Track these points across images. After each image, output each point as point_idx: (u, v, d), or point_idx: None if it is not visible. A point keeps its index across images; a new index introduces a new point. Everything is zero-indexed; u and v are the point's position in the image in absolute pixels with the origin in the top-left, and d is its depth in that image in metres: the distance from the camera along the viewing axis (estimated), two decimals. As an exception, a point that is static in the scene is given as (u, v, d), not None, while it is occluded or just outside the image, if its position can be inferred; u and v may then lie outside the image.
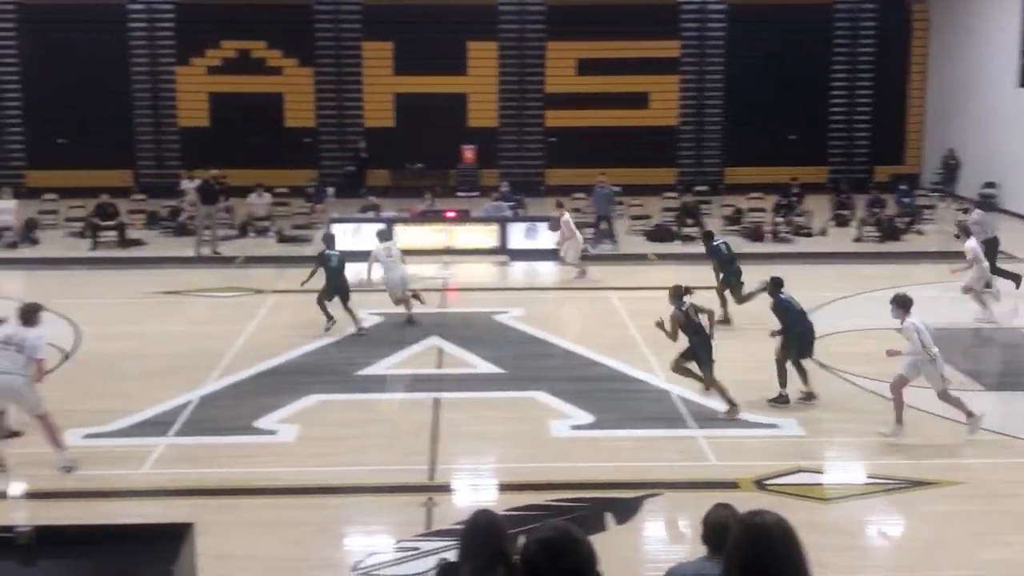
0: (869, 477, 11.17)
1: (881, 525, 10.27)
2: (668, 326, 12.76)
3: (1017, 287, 18.89)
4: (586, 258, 21.50)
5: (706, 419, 12.63)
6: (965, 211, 22.07)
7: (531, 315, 17.90)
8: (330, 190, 28.65)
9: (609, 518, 9.91)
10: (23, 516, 10.09)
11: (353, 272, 16.96)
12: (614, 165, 28.40)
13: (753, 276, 20.63)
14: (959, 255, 17.80)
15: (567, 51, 32.33)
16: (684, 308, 12.76)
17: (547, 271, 21.83)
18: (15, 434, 11.83)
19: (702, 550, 5.00)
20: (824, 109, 32.91)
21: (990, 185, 29.22)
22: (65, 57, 30.67)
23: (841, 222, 26.55)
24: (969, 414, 11.84)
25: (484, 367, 14.94)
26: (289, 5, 31.70)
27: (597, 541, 4.12)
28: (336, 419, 12.80)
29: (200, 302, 19.20)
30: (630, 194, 27.04)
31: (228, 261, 22.55)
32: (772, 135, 31.87)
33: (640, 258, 22.87)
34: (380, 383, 14.36)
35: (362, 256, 17.68)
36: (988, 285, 17.57)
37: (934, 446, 11.82)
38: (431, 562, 8.61)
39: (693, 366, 12.87)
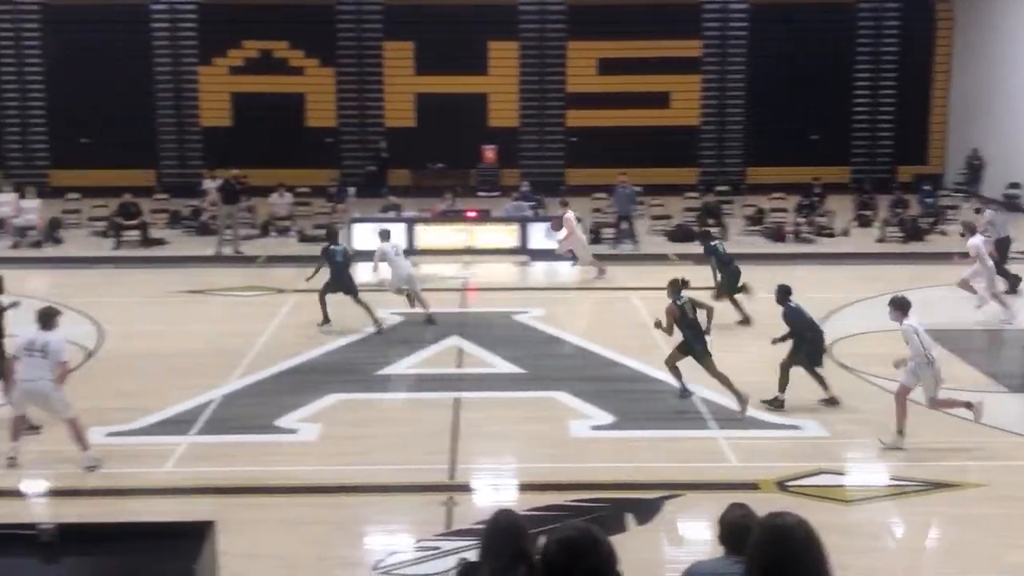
0: (891, 479, 11.10)
1: (903, 527, 10.21)
2: (664, 321, 12.90)
3: (1014, 290, 18.73)
4: (601, 256, 21.50)
5: (727, 420, 12.59)
6: (977, 211, 21.92)
7: (551, 315, 17.89)
8: (351, 190, 28.72)
9: (629, 519, 9.89)
10: (46, 513, 10.16)
11: (362, 270, 17.00)
12: (635, 165, 28.36)
13: (774, 277, 20.59)
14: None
15: (588, 51, 32.29)
16: (681, 303, 12.87)
17: (567, 271, 21.81)
18: (34, 428, 11.93)
19: (721, 551, 4.98)
20: (847, 109, 32.75)
21: (1014, 186, 29.02)
22: (88, 57, 30.87)
23: (864, 222, 26.42)
24: (968, 405, 11.76)
25: (504, 367, 14.93)
26: (311, 5, 31.80)
27: (617, 542, 4.11)
28: (357, 418, 12.83)
29: (222, 301, 19.27)
30: (651, 194, 27.00)
31: (250, 260, 22.64)
32: (794, 135, 31.73)
33: (661, 258, 22.81)
34: (399, 383, 14.38)
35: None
36: (1012, 286, 17.48)
37: (956, 448, 11.74)
38: (451, 561, 8.62)
39: (682, 364, 13.02)
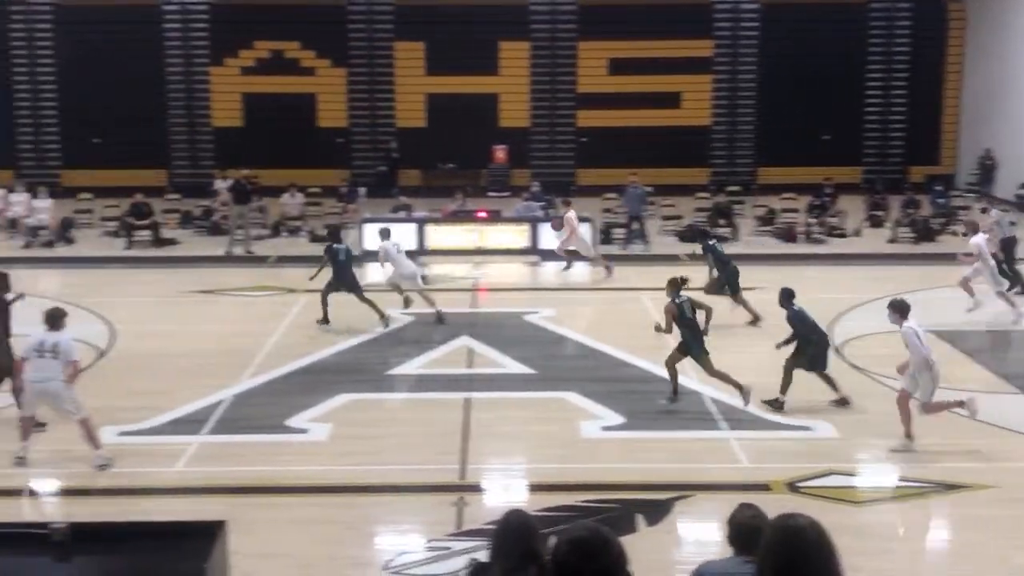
0: (902, 480, 11.07)
1: (914, 528, 10.18)
2: (663, 323, 12.96)
3: (1009, 289, 18.63)
4: (611, 257, 21.52)
5: (738, 421, 12.57)
6: (983, 210, 21.86)
7: (562, 315, 17.88)
8: (362, 190, 28.75)
9: (640, 519, 9.89)
10: (58, 513, 10.20)
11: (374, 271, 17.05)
12: (646, 165, 28.33)
13: (785, 278, 20.55)
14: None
15: (599, 51, 32.27)
16: (679, 301, 12.92)
17: (578, 271, 21.79)
18: (40, 425, 11.97)
19: (730, 551, 4.98)
20: (858, 109, 32.66)
21: (1027, 186, 28.91)
22: (100, 58, 30.96)
23: (875, 223, 26.35)
24: (960, 403, 11.70)
25: (514, 367, 14.93)
26: (322, 6, 31.84)
27: (627, 542, 4.11)
28: (367, 418, 12.85)
29: (233, 301, 19.31)
30: (662, 194, 26.96)
31: (261, 260, 22.69)
32: (806, 135, 31.65)
33: (672, 259, 22.77)
34: (409, 383, 14.38)
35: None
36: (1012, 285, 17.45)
37: (967, 450, 11.70)
38: (462, 562, 8.63)
39: (683, 365, 13.06)
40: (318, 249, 22.63)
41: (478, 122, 31.85)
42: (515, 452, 11.97)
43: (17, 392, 12.15)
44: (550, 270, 22.01)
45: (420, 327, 17.09)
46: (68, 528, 5.78)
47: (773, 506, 4.83)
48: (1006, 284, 17.96)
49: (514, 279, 21.15)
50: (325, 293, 16.84)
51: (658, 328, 13.14)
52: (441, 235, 23.52)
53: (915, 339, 11.38)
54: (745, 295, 17.02)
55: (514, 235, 23.46)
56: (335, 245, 17.09)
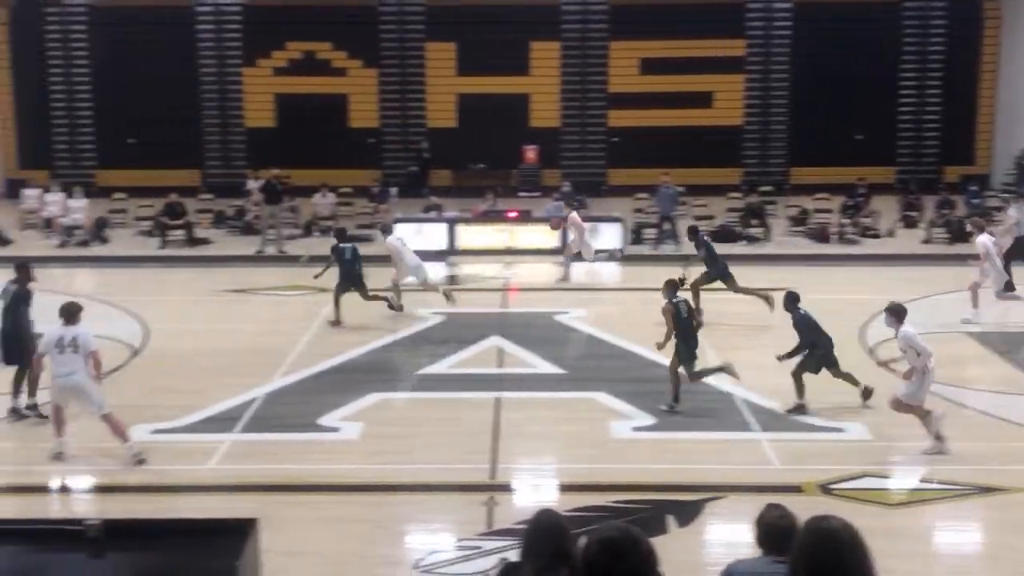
0: (937, 483, 10.97)
1: (948, 532, 10.09)
2: (662, 339, 12.91)
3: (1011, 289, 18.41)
4: (642, 257, 21.46)
5: (770, 422, 12.50)
6: (999, 208, 21.60)
7: (592, 315, 17.86)
8: (393, 190, 28.81)
9: (670, 520, 9.86)
10: (92, 509, 10.29)
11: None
12: (678, 165, 28.18)
13: (818, 279, 20.45)
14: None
15: (630, 51, 32.16)
16: (676, 302, 12.92)
17: (609, 272, 21.75)
18: (43, 417, 12.30)
19: (760, 552, 4.95)
20: (892, 108, 32.36)
21: (1063, 186, 28.55)
22: (134, 59, 31.19)
23: (909, 223, 26.12)
24: (928, 412, 11.51)
25: (545, 367, 14.93)
26: (354, 7, 31.94)
27: (658, 543, 4.10)
28: (398, 417, 12.90)
29: (265, 300, 19.42)
30: (694, 194, 26.84)
31: (293, 260, 22.79)
32: (839, 135, 31.38)
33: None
34: (440, 382, 14.39)
35: (423, 256, 17.87)
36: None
37: (1005, 453, 11.58)
38: (492, 561, 8.63)
39: (701, 365, 13.02)
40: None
41: (509, 122, 31.82)
42: (545, 452, 11.96)
43: (32, 383, 12.37)
44: (581, 270, 21.95)
45: (451, 327, 17.11)
46: (102, 525, 5.82)
47: (806, 508, 4.80)
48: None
49: (544, 279, 21.12)
50: (337, 295, 17.03)
51: (659, 346, 13.09)
52: (472, 235, 23.55)
53: (917, 341, 11.27)
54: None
55: (545, 235, 23.41)
56: (341, 245, 17.28)
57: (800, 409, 12.69)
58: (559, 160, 32.24)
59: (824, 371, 12.81)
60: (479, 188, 27.19)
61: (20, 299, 13.02)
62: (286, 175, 26.33)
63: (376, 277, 17.62)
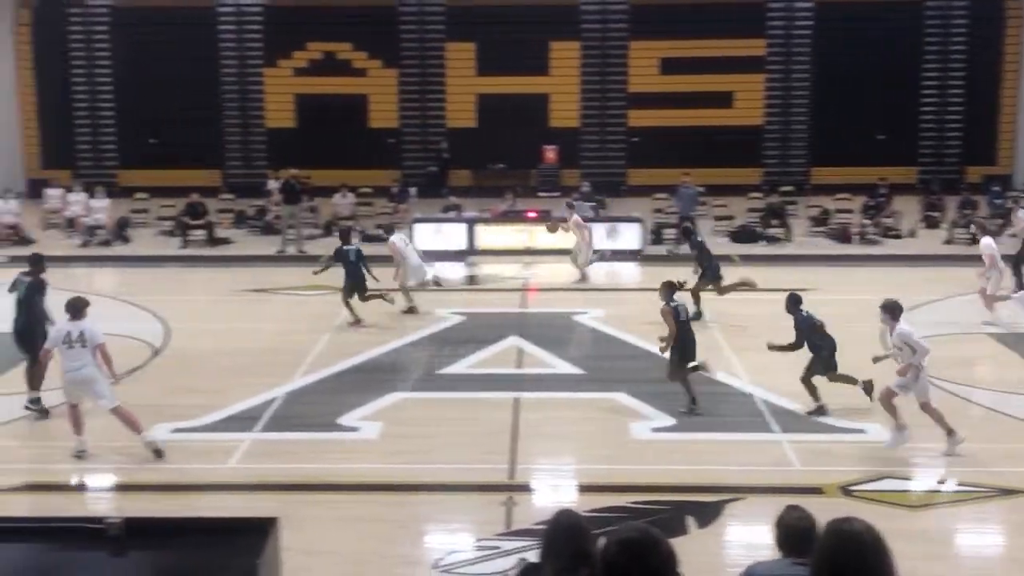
0: (959, 485, 10.90)
1: (970, 534, 10.02)
2: (664, 341, 12.88)
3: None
4: (660, 257, 21.43)
5: (790, 423, 12.45)
6: (1011, 209, 21.44)
7: (611, 316, 17.82)
8: (413, 190, 28.87)
9: (690, 521, 9.83)
10: (113, 508, 10.34)
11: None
12: (698, 165, 28.11)
13: (840, 279, 20.37)
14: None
15: (650, 50, 32.10)
16: (674, 304, 12.90)
17: (628, 272, 21.70)
18: (43, 412, 12.58)
19: (781, 555, 4.93)
20: (914, 108, 32.18)
21: (1087, 186, 28.34)
22: (156, 59, 31.34)
23: (931, 224, 25.98)
24: (901, 427, 11.42)
25: (564, 367, 14.92)
26: (374, 7, 32.00)
27: (677, 544, 4.09)
28: (417, 417, 12.90)
29: (286, 300, 19.47)
30: (714, 194, 26.78)
31: (313, 260, 22.81)
32: (860, 134, 31.23)
33: (723, 259, 22.56)
34: (459, 382, 14.39)
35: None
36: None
37: (1026, 454, 11.51)
38: (511, 561, 8.63)
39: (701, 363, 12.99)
40: (369, 249, 22.83)
41: (528, 122, 31.82)
42: (564, 452, 11.95)
43: (37, 377, 12.54)
44: (600, 270, 21.92)
45: (470, 328, 17.13)
46: (123, 523, 5.85)
47: (826, 510, 4.77)
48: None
49: (564, 279, 21.10)
50: (345, 297, 17.14)
51: (663, 350, 13.06)
52: (491, 235, 23.57)
53: (915, 339, 11.17)
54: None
55: (564, 235, 23.37)
56: (345, 247, 17.33)
57: (820, 411, 12.64)
58: (579, 160, 32.21)
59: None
60: (498, 188, 27.20)
61: (35, 289, 13.20)
62: (305, 175, 26.40)
63: (385, 278, 17.65)
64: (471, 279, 21.43)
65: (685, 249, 23.40)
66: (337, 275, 17.47)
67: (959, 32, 32.06)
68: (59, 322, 11.79)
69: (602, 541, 4.13)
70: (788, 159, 32.55)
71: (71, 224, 25.79)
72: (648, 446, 12.01)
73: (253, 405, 13.17)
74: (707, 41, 31.36)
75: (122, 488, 11.01)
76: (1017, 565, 9.31)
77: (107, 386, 11.39)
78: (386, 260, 17.96)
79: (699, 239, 18.05)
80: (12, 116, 32.56)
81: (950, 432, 11.34)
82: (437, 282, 18.34)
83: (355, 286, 17.12)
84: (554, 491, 11.00)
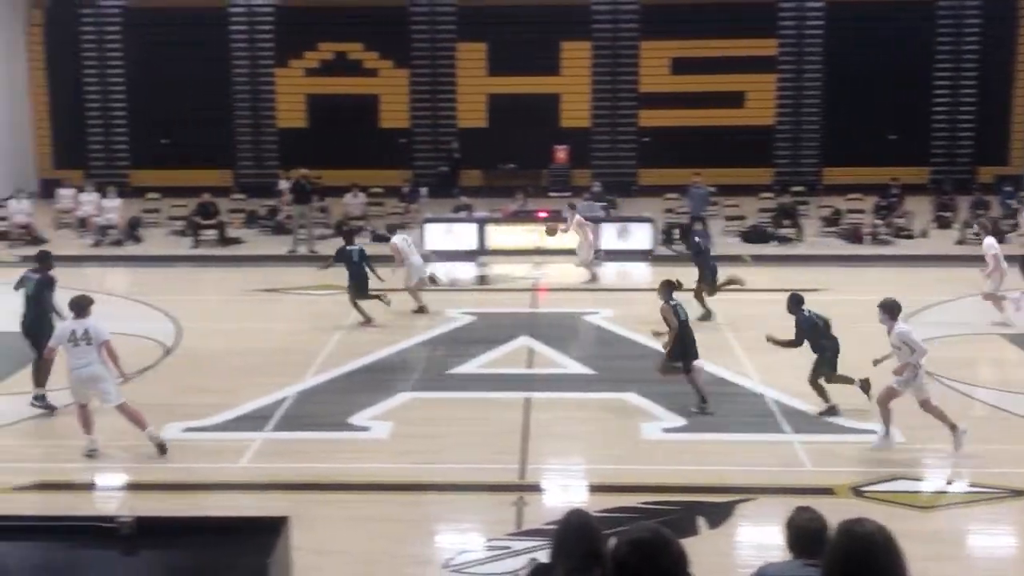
0: (971, 486, 10.86)
1: (982, 535, 9.99)
2: (667, 336, 12.92)
3: None
4: (672, 258, 21.41)
5: (802, 424, 12.42)
6: (1016, 210, 21.32)
7: (622, 316, 17.80)
8: (423, 190, 28.87)
9: (701, 522, 9.81)
10: (125, 507, 10.37)
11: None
12: (709, 165, 28.07)
13: (852, 279, 20.31)
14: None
15: (661, 50, 32.06)
16: (673, 303, 12.97)
17: (639, 272, 21.67)
18: (50, 408, 12.67)
19: (791, 556, 4.92)
20: (926, 108, 32.06)
21: (1100, 186, 28.21)
22: (168, 59, 31.42)
23: (943, 224, 25.90)
24: (886, 430, 11.39)
25: (574, 368, 14.91)
26: (385, 7, 32.02)
27: (688, 545, 4.08)
28: (428, 417, 12.90)
29: (297, 300, 19.50)
30: (725, 194, 26.73)
31: (324, 259, 22.84)
32: (872, 135, 31.14)
33: (735, 259, 22.54)
34: (470, 382, 14.39)
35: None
36: None
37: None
38: (522, 561, 8.62)
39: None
40: (380, 248, 22.88)
41: (539, 122, 31.81)
42: (575, 453, 11.94)
43: (42, 374, 12.67)
44: (610, 270, 21.92)
45: (481, 328, 17.13)
46: (134, 522, 5.87)
47: (837, 510, 4.76)
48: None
49: (574, 279, 21.08)
50: (352, 298, 17.13)
51: (655, 333, 13.22)
52: (502, 235, 23.56)
53: (913, 338, 11.11)
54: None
55: (574, 235, 23.36)
56: (348, 247, 17.36)
57: (832, 411, 12.61)
58: (590, 160, 32.20)
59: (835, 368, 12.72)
60: (509, 188, 27.19)
61: (44, 285, 13.31)
62: (316, 175, 26.44)
63: (390, 278, 17.71)
64: (482, 279, 21.43)
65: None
66: (345, 275, 17.48)
67: (971, 32, 31.94)
68: (63, 322, 11.84)
69: (613, 541, 4.12)
70: (800, 159, 32.48)
71: (83, 224, 25.87)
72: (659, 446, 12.00)
73: (264, 404, 13.19)
74: (718, 41, 31.32)
75: (133, 487, 11.04)
76: (1030, 567, 9.27)
77: (113, 384, 11.45)
78: (389, 260, 18.00)
79: (697, 240, 17.96)
80: (25, 116, 32.69)
81: (953, 427, 11.31)
82: (433, 279, 18.35)
83: (358, 286, 17.15)
84: (565, 491, 10.99)
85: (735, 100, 32.02)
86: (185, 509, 9.67)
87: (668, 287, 13.13)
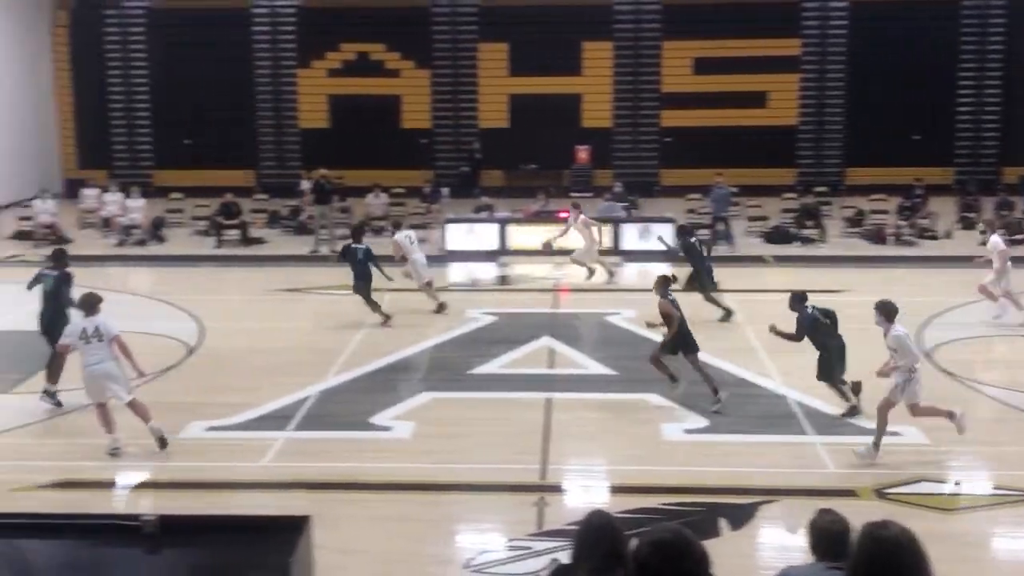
0: (995, 488, 10.78)
1: (1007, 538, 9.91)
2: (665, 323, 13.12)
3: None
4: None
5: (824, 425, 12.36)
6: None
7: (643, 316, 17.69)
8: (445, 190, 28.91)
9: (723, 523, 9.78)
10: (148, 505, 10.43)
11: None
12: (731, 165, 28.00)
13: (873, 280, 20.19)
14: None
15: (683, 50, 32.00)
16: (670, 298, 13.13)
17: (660, 272, 21.54)
18: (58, 404, 12.85)
19: (814, 559, 4.90)
20: (950, 108, 31.88)
21: None
22: (191, 60, 31.61)
23: (967, 225, 25.72)
24: (950, 415, 11.23)
25: (596, 368, 14.89)
26: (407, 8, 32.10)
27: (710, 546, 4.06)
28: (449, 417, 12.91)
29: (319, 299, 19.55)
30: (747, 195, 26.65)
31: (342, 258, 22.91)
32: (895, 135, 30.99)
33: (757, 260, 22.50)
34: (491, 382, 14.39)
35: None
36: None
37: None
38: (543, 562, 8.62)
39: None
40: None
41: (561, 122, 31.82)
42: (596, 453, 11.92)
43: (54, 369, 12.78)
44: (632, 271, 21.87)
45: (502, 328, 17.13)
46: (158, 521, 5.89)
47: (860, 513, 4.73)
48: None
49: (596, 280, 21.05)
50: (364, 296, 17.15)
51: (649, 324, 13.83)
52: (523, 235, 23.54)
53: (908, 344, 11.00)
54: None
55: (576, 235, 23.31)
56: (354, 245, 17.40)
57: (854, 411, 12.52)
58: (611, 160, 32.18)
59: (844, 366, 12.63)
60: (531, 188, 27.20)
61: (62, 281, 13.48)
62: (337, 175, 26.52)
63: (401, 279, 17.79)
64: (503, 279, 21.43)
65: (723, 249, 23.42)
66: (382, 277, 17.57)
67: (996, 31, 31.73)
68: (74, 320, 11.95)
69: (634, 542, 4.11)
70: (823, 159, 32.36)
71: (107, 224, 26.04)
72: (680, 447, 11.97)
73: (286, 404, 13.23)
74: (741, 41, 31.23)
75: (156, 486, 11.10)
76: (1055, 570, 9.20)
77: (124, 381, 11.55)
78: (389, 259, 18.08)
79: (691, 240, 17.92)
80: (50, 117, 32.95)
81: (950, 415, 11.20)
82: (429, 284, 18.24)
83: (363, 284, 17.18)
84: (586, 492, 10.98)
85: (758, 100, 31.93)
86: (208, 508, 9.72)
87: (664, 282, 13.30)
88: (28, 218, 25.80)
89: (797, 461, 11.43)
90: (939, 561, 3.99)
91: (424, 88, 32.66)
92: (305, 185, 26.75)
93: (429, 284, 18.02)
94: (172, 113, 32.20)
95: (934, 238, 24.65)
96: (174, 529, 5.95)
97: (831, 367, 12.59)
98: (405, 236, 18.32)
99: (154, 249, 24.61)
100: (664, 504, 10.20)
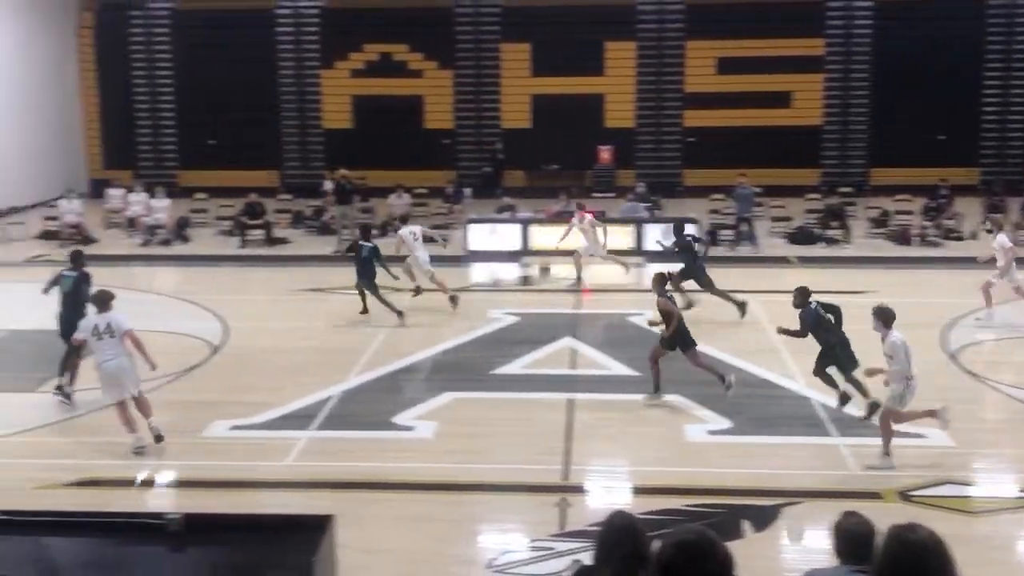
0: (1021, 490, 10.70)
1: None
2: (668, 321, 13.13)
3: None
4: (717, 258, 21.25)
5: (848, 427, 12.30)
6: None
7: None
8: (467, 191, 28.93)
9: (746, 525, 9.74)
10: (172, 504, 10.49)
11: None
12: (755, 165, 27.85)
13: (901, 281, 20.08)
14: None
15: (707, 50, 31.90)
16: (668, 296, 13.21)
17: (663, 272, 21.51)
18: (66, 397, 13.03)
19: (838, 561, 4.87)
20: (976, 108, 31.64)
21: None
22: (215, 61, 31.78)
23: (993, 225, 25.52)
24: (931, 413, 11.12)
25: (618, 369, 14.86)
26: (430, 9, 32.15)
27: (733, 548, 4.04)
28: (472, 417, 12.92)
29: (342, 299, 19.58)
30: (771, 195, 26.55)
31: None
32: (920, 135, 30.79)
33: (781, 260, 22.40)
34: (513, 382, 14.39)
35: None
36: None
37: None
38: (565, 562, 8.62)
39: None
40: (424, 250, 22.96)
41: (583, 123, 31.79)
42: (618, 454, 11.91)
43: (69, 366, 12.96)
44: (655, 271, 21.76)
45: (524, 328, 17.13)
46: (182, 519, 5.92)
47: (885, 515, 4.71)
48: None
49: (618, 280, 21.02)
50: (374, 295, 17.34)
51: (651, 323, 13.69)
52: (545, 236, 23.50)
53: (902, 351, 10.87)
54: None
55: (618, 236, 23.26)
56: (361, 242, 17.46)
57: (875, 408, 12.43)
58: (634, 161, 32.11)
59: (856, 362, 12.57)
60: (553, 189, 27.17)
61: (80, 281, 13.60)
62: (359, 175, 26.59)
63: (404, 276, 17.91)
64: (525, 280, 21.43)
65: (742, 249, 23.35)
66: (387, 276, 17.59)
67: (1022, 30, 31.45)
68: (87, 316, 12.05)
69: (657, 543, 4.10)
70: (847, 160, 32.19)
71: (132, 224, 26.19)
72: (703, 448, 11.93)
73: (309, 403, 13.29)
74: (765, 41, 31.11)
75: (181, 484, 11.16)
76: (1082, 574, 9.12)
77: (135, 378, 11.68)
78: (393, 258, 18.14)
79: (688, 237, 17.90)
80: (75, 117, 33.20)
81: (931, 413, 11.09)
82: (418, 291, 18.25)
83: (367, 281, 17.26)
84: (608, 493, 10.96)
85: (782, 100, 31.79)
86: (232, 506, 9.77)
87: (661, 280, 13.34)
88: (54, 218, 25.99)
89: (821, 463, 11.38)
90: (965, 565, 3.97)
91: (447, 88, 32.70)
92: (328, 185, 26.83)
93: (432, 278, 18.10)
94: (197, 114, 32.38)
95: (960, 239, 24.48)
96: (198, 528, 5.98)
97: (829, 364, 12.54)
98: (409, 232, 18.42)
99: (179, 249, 24.75)
100: (687, 505, 10.18)
